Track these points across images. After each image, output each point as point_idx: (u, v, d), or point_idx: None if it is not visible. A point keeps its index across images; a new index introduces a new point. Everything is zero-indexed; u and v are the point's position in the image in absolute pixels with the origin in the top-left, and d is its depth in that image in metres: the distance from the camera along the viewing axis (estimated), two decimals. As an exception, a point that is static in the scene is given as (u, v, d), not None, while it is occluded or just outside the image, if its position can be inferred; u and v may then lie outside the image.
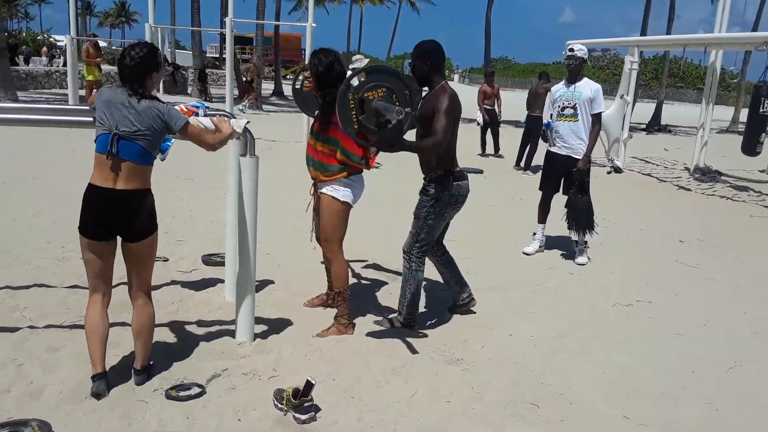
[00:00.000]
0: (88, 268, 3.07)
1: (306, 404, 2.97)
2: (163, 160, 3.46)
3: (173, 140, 3.43)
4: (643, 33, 26.02)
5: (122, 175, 2.93)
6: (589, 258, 6.00)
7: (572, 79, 5.92)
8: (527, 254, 6.13)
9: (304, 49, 59.32)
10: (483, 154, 13.34)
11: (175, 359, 3.48)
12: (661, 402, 3.44)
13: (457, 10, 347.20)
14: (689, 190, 11.05)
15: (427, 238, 4.00)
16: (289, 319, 4.19)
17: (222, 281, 4.58)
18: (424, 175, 4.02)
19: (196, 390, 3.17)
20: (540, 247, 6.24)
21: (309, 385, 3.00)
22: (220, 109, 4.44)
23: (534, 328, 4.32)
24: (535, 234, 6.29)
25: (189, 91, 25.69)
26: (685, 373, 3.81)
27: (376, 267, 5.38)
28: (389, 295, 4.69)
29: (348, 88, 3.39)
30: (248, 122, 3.50)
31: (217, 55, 42.18)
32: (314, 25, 12.54)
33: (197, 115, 3.43)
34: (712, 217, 8.80)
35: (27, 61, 26.94)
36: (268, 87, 33.29)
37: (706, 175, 11.98)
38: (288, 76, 55.92)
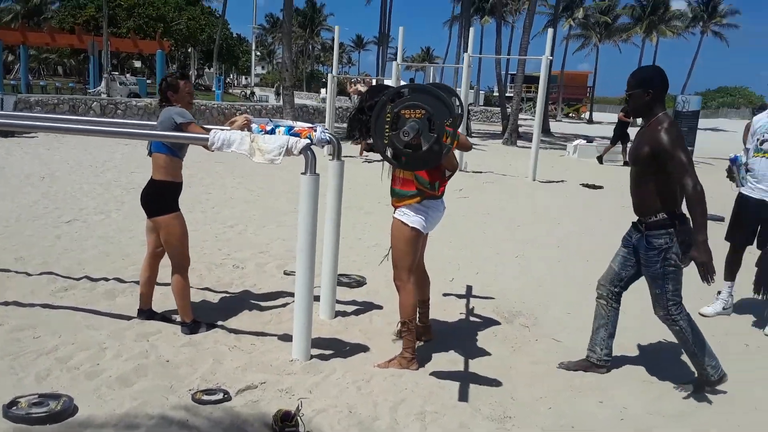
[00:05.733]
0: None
1: (287, 429, 2.88)
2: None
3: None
4: None
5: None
6: (789, 330, 4.71)
7: (780, 106, 4.77)
8: (704, 316, 5.05)
9: (590, 87, 57.31)
10: None
11: (230, 365, 3.67)
12: None
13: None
14: None
15: (676, 287, 3.53)
16: (368, 345, 4.10)
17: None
18: (640, 218, 3.58)
19: (219, 396, 3.29)
20: (724, 308, 5.09)
21: (295, 411, 2.91)
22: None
23: (647, 403, 3.55)
24: (719, 293, 5.15)
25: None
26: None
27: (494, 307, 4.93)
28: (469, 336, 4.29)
29: (387, 99, 3.25)
30: (310, 143, 3.56)
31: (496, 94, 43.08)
32: (551, 58, 12.12)
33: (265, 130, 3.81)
34: None
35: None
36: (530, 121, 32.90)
37: None
38: (570, 114, 55.08)
